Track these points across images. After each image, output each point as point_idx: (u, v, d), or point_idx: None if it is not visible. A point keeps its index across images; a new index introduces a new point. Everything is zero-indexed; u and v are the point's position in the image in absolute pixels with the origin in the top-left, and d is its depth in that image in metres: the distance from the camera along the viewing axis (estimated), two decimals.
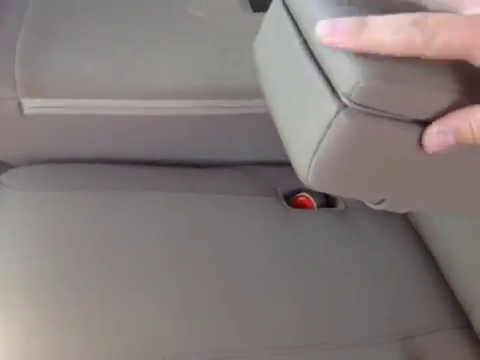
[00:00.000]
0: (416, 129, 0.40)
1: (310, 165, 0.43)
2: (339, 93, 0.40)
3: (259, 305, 0.73)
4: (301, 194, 0.89)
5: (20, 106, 0.82)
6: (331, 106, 0.40)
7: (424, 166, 0.43)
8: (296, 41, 0.48)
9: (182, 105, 0.84)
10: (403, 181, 0.45)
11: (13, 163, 0.89)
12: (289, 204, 0.87)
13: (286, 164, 0.91)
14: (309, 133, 0.43)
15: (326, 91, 0.42)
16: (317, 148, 0.42)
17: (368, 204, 0.48)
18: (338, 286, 0.77)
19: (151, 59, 0.86)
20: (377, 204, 0.47)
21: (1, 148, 0.89)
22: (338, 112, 0.40)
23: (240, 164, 0.93)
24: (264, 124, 0.88)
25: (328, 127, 0.41)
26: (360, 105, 0.39)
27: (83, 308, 0.69)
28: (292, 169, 0.93)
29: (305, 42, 0.47)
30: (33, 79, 0.82)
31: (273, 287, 0.75)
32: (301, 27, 0.49)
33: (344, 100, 0.40)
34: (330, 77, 0.42)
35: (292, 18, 0.51)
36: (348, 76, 0.39)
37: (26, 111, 0.82)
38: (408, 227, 0.88)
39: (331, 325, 0.73)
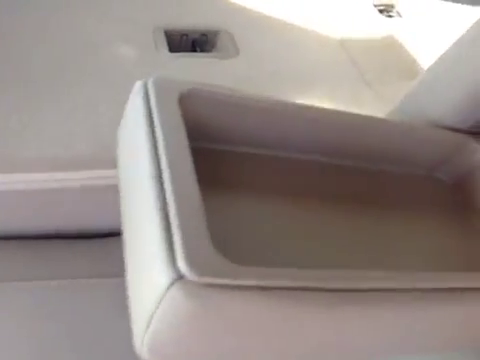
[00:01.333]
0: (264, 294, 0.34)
1: (143, 340, 0.34)
2: (178, 257, 0.32)
3: None
4: None
5: None
6: (165, 274, 0.32)
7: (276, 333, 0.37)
8: (147, 168, 0.38)
9: (52, 178, 0.75)
10: (255, 349, 0.38)
11: None
12: None
13: None
14: (143, 299, 0.34)
15: (162, 250, 0.33)
16: (150, 322, 0.33)
17: None
18: None
19: (25, 124, 0.77)
20: None
21: None
22: (172, 284, 0.31)
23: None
24: None
25: (160, 300, 0.32)
26: (201, 275, 0.31)
27: None
28: None
29: (159, 174, 0.37)
30: None
31: None
32: (160, 156, 0.38)
33: (182, 268, 0.31)
34: (173, 232, 0.33)
35: (152, 131, 0.40)
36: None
37: None
38: None
39: None
